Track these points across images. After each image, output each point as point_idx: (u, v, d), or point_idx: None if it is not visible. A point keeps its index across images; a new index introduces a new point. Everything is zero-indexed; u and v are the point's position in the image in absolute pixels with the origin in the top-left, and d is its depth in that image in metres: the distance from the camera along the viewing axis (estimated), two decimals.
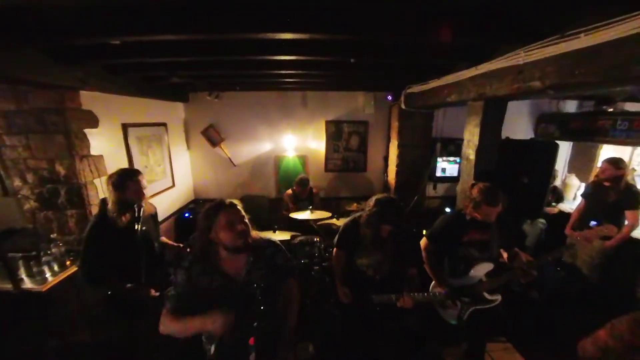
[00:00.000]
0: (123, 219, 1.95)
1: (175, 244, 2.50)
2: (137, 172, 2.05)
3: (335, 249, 2.25)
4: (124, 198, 1.95)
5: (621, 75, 1.32)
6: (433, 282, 2.27)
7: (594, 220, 2.99)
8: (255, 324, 1.36)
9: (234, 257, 1.42)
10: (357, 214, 2.19)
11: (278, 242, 1.61)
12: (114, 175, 1.99)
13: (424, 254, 2.24)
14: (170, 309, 1.37)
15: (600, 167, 2.99)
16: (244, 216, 1.41)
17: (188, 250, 2.34)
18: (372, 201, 2.01)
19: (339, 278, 2.17)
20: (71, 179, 2.54)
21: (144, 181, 2.04)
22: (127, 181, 1.97)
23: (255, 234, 1.48)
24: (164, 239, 2.46)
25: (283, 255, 1.58)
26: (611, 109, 3.71)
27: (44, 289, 2.17)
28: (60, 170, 2.52)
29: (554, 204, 4.17)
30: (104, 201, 2.01)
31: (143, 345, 2.26)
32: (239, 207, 1.43)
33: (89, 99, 2.64)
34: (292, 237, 3.35)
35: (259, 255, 1.48)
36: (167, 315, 1.38)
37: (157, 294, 2.05)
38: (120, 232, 1.91)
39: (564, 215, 3.81)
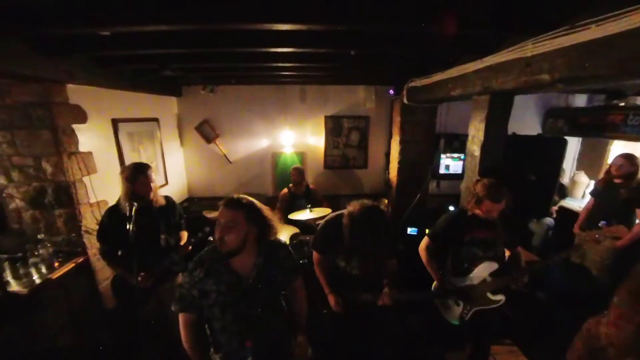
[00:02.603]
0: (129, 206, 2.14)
1: (184, 244, 2.51)
2: (147, 167, 2.25)
3: (315, 253, 2.16)
4: (134, 190, 2.16)
5: (634, 67, 1.30)
6: (434, 283, 2.27)
7: (604, 220, 2.99)
8: (253, 326, 1.40)
9: (242, 256, 1.41)
10: (334, 215, 2.11)
11: (286, 243, 1.64)
12: (127, 168, 2.23)
13: (425, 253, 2.25)
14: (176, 310, 1.45)
15: (615, 163, 2.97)
16: (237, 222, 1.34)
17: (190, 248, 2.43)
18: (354, 212, 1.85)
19: (326, 285, 2.09)
20: (59, 177, 2.52)
21: (153, 175, 2.26)
22: (137, 175, 2.18)
23: (276, 232, 1.51)
24: (183, 234, 2.56)
25: (291, 257, 1.61)
26: (622, 104, 3.70)
27: (30, 292, 2.16)
28: (47, 167, 2.50)
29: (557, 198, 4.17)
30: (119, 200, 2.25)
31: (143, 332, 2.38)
32: (243, 206, 1.37)
33: (76, 93, 2.62)
34: (291, 236, 3.35)
35: (270, 256, 1.49)
36: (182, 327, 1.45)
37: (147, 282, 2.21)
38: (127, 220, 2.05)
39: (572, 214, 3.82)
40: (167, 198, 2.47)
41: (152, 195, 2.26)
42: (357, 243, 1.87)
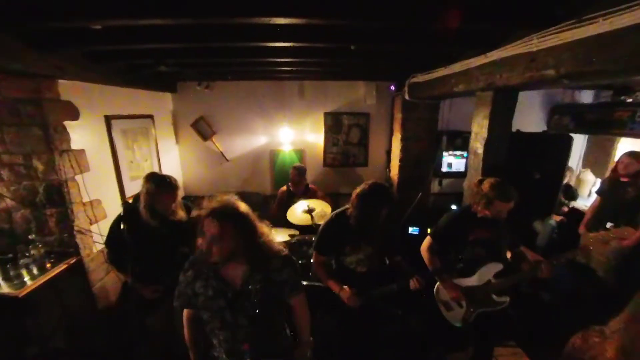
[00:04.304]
0: (153, 221, 2.13)
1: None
2: (175, 188, 2.15)
3: (315, 254, 2.14)
4: (153, 204, 2.10)
5: None
6: (437, 284, 2.28)
7: (611, 218, 2.99)
8: (250, 328, 1.40)
9: (232, 264, 1.41)
10: (338, 210, 2.15)
11: (289, 255, 1.53)
12: (152, 182, 2.09)
13: (426, 253, 2.25)
14: (176, 306, 1.51)
15: (622, 162, 2.98)
16: (220, 233, 1.29)
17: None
18: (362, 189, 1.98)
19: (333, 282, 2.06)
20: (50, 175, 2.50)
21: (179, 196, 2.20)
22: (162, 193, 2.09)
23: (268, 240, 1.45)
24: (199, 239, 2.50)
25: (290, 270, 1.50)
26: (630, 100, 3.69)
27: (21, 294, 2.15)
28: (38, 165, 2.48)
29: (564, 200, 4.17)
30: (137, 198, 2.19)
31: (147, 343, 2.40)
32: (229, 218, 1.32)
33: (68, 89, 2.60)
34: (290, 236, 3.35)
35: (260, 266, 1.43)
36: (184, 322, 1.55)
37: (155, 293, 2.20)
38: (141, 229, 2.04)
39: (578, 213, 3.82)
40: (186, 206, 2.35)
41: (172, 213, 2.18)
42: (366, 218, 1.94)
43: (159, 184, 2.09)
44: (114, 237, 2.20)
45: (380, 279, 2.09)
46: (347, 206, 2.08)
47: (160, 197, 2.09)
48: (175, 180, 2.18)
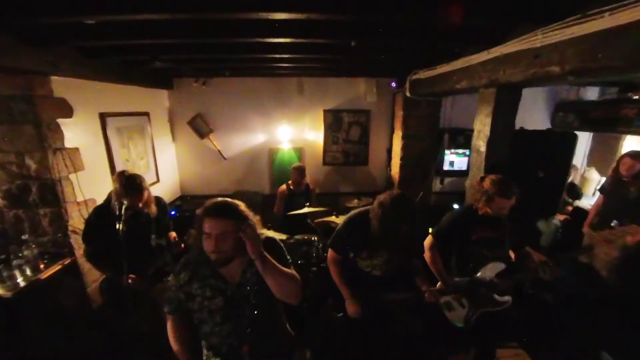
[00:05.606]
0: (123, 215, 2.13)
1: (176, 241, 2.56)
2: (142, 188, 2.19)
3: (331, 251, 2.13)
4: (124, 201, 2.11)
5: None
6: (439, 283, 2.28)
7: (615, 217, 3.00)
8: (249, 329, 1.40)
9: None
10: (361, 210, 2.09)
11: (274, 238, 1.58)
12: (121, 181, 2.12)
13: (428, 253, 2.25)
14: (167, 312, 1.49)
15: (624, 163, 2.98)
16: (229, 231, 1.31)
17: (183, 246, 2.45)
18: (385, 200, 1.87)
19: (345, 289, 2.03)
20: (43, 174, 2.50)
21: (148, 191, 2.26)
22: (131, 191, 2.12)
23: (261, 234, 1.46)
24: (172, 234, 2.59)
25: (278, 247, 1.54)
26: (636, 97, 3.69)
27: (14, 295, 2.15)
28: (31, 164, 2.48)
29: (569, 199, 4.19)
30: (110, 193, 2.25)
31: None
32: (233, 214, 1.34)
33: (61, 86, 2.60)
34: (289, 236, 3.35)
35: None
36: (170, 329, 1.49)
37: (139, 284, 2.21)
38: (117, 220, 2.04)
39: (582, 212, 3.83)
40: (158, 200, 2.45)
41: (143, 207, 2.24)
42: (388, 232, 1.87)
43: (125, 186, 2.13)
44: (91, 231, 2.23)
45: (396, 283, 2.08)
46: (368, 207, 2.04)
47: (127, 198, 2.12)
48: (141, 181, 2.21)
